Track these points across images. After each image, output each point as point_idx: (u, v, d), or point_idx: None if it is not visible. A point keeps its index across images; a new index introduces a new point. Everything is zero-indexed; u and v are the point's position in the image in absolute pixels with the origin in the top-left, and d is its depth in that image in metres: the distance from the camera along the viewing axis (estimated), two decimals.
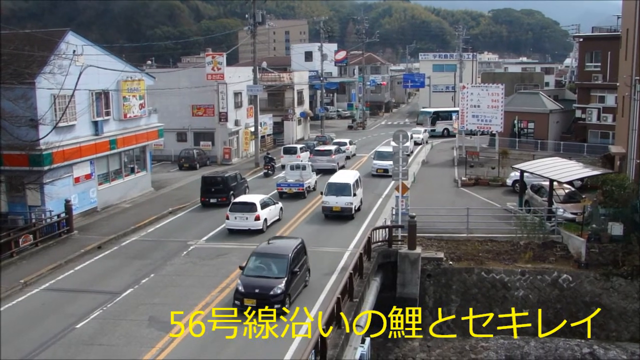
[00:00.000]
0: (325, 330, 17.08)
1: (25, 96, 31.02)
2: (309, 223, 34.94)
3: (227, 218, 32.87)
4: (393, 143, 30.77)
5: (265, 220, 33.01)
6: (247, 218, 32.35)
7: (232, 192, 38.97)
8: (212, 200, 38.70)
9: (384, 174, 46.63)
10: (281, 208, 35.66)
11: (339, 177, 37.58)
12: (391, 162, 31.27)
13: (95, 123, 37.39)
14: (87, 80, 33.95)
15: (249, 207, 32.74)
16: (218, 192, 38.74)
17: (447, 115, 77.72)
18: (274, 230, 32.81)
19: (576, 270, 28.06)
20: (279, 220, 34.94)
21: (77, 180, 35.91)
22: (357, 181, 36.80)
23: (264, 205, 33.41)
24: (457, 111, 76.52)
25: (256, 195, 36.06)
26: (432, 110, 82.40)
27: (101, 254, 29.88)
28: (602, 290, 27.50)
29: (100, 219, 36.33)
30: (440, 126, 77.16)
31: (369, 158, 55.40)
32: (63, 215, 32.63)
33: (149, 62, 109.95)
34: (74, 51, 33.61)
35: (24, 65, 30.47)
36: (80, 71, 32.50)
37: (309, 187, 41.78)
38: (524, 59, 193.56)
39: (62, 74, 31.55)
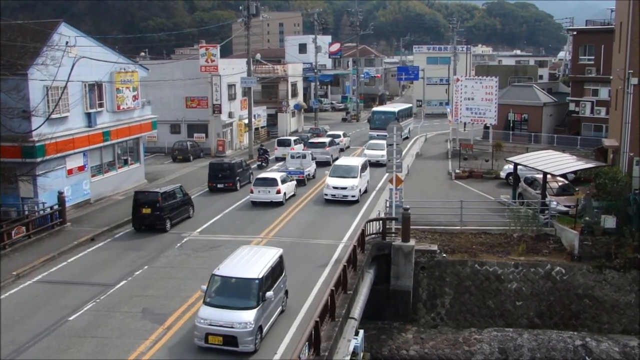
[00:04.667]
0: (319, 323, 17.08)
1: (18, 87, 30.89)
2: (306, 212, 35.54)
3: (252, 192, 37.01)
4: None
5: (285, 194, 37.11)
6: (269, 191, 36.49)
7: (237, 177, 41.61)
8: (219, 186, 41.04)
9: None
10: (296, 185, 39.67)
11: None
12: None
13: (89, 115, 37.25)
14: (80, 71, 33.74)
15: (271, 182, 36.92)
16: (225, 178, 41.14)
17: (407, 113, 70.42)
18: (290, 203, 37.43)
19: (569, 263, 28.16)
20: (294, 195, 38.75)
21: (70, 172, 35.80)
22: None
23: (283, 181, 37.43)
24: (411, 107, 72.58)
25: (277, 172, 39.92)
26: (395, 109, 66.92)
27: (94, 245, 29.82)
28: (594, 282, 27.62)
29: (93, 210, 36.24)
30: None
31: (363, 150, 55.36)
32: (56, 207, 32.52)
33: (143, 53, 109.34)
34: (67, 42, 33.41)
35: (16, 57, 30.32)
36: (73, 62, 32.30)
37: (308, 174, 44.03)
38: (518, 52, 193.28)
39: (55, 66, 31.42)
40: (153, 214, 31.48)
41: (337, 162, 40.39)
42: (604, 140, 42.01)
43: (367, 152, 51.10)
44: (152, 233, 31.57)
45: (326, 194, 37.30)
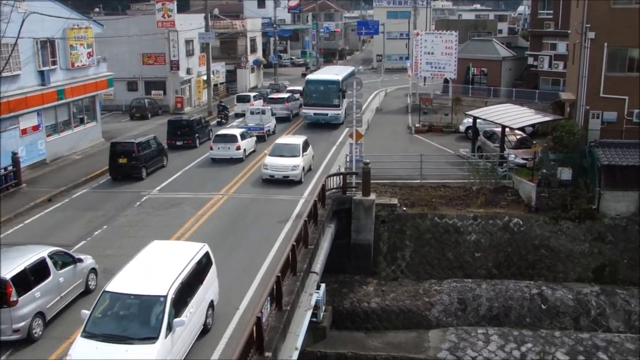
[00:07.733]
0: (280, 278, 17.16)
1: None
2: None
3: (211, 149, 36.59)
4: None
5: (244, 150, 36.83)
6: (229, 148, 36.09)
7: (197, 134, 41.12)
8: (178, 143, 40.50)
9: None
10: (256, 141, 39.36)
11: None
12: None
13: (42, 73, 36.27)
14: (31, 28, 32.65)
15: (231, 138, 36.58)
16: (184, 135, 40.71)
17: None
18: (250, 159, 37.19)
19: (526, 215, 28.68)
20: (254, 151, 38.48)
21: (24, 131, 34.96)
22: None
23: (243, 137, 37.11)
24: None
25: (236, 128, 39.84)
26: (338, 77, 48.32)
27: (52, 206, 29.35)
28: (550, 233, 28.22)
29: (49, 171, 35.59)
30: None
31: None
32: (10, 168, 31.82)
33: (97, 9, 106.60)
34: None
35: None
36: (23, 18, 31.18)
37: (268, 130, 43.94)
38: (478, 7, 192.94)
39: (4, 22, 30.30)
40: (129, 164, 32.70)
41: (132, 263, 16.19)
42: (561, 94, 42.49)
43: (269, 160, 32.28)
44: (110, 192, 31.29)
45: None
